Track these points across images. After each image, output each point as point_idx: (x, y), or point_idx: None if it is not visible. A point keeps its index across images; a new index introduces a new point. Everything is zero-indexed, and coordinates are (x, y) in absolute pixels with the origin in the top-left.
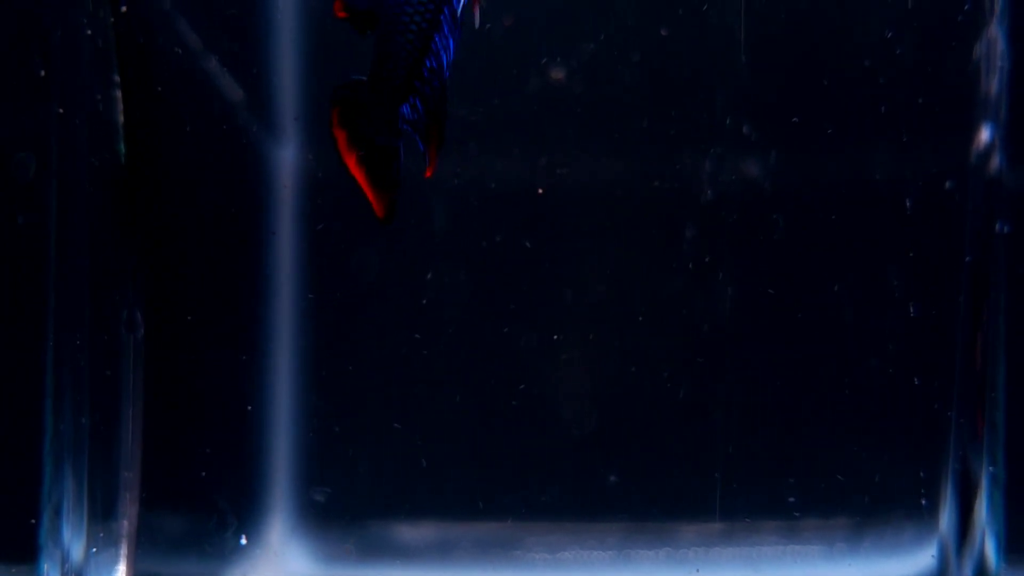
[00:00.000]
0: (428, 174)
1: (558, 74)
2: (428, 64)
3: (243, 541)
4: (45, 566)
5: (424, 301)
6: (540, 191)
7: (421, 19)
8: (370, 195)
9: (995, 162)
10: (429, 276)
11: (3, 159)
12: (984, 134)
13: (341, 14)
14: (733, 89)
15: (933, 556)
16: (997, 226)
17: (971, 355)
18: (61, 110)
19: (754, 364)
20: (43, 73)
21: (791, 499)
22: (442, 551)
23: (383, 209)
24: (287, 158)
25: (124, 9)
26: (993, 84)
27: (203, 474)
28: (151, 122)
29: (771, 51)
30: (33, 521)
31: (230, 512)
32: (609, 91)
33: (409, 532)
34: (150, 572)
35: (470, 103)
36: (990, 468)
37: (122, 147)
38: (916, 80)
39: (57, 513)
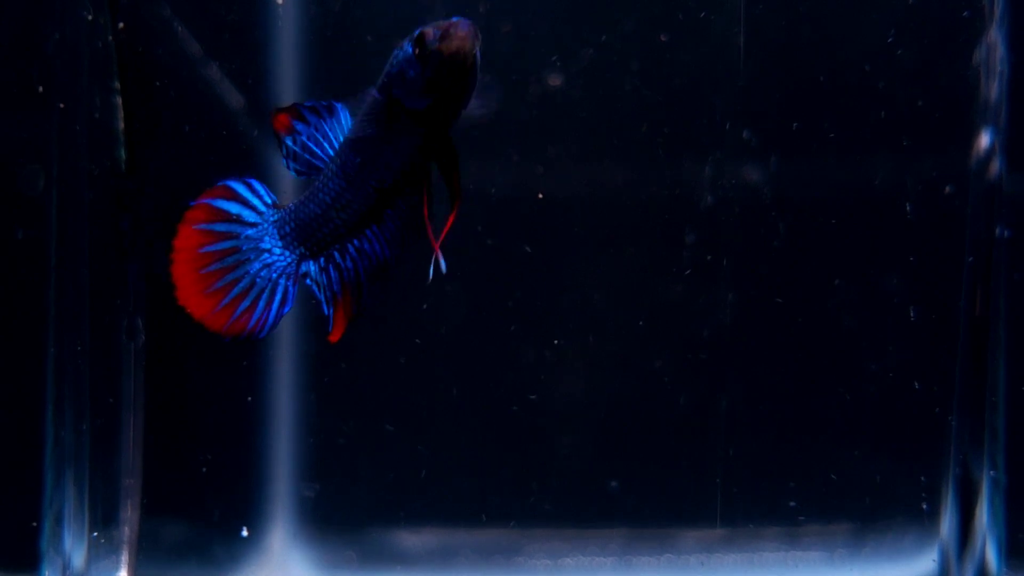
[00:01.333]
0: (332, 338)
1: (555, 80)
2: (356, 244)
3: (244, 533)
4: (46, 573)
5: (424, 306)
6: (540, 195)
7: (358, 208)
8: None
9: (995, 167)
10: (429, 280)
11: (3, 166)
12: (984, 139)
13: (280, 125)
14: (733, 94)
15: (934, 560)
16: (997, 231)
17: (971, 359)
18: (60, 117)
19: (754, 369)
20: (42, 79)
21: (792, 504)
22: (444, 557)
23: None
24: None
25: (122, 26)
26: (993, 89)
27: (204, 480)
28: (151, 128)
29: (771, 56)
30: (34, 523)
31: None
32: (608, 97)
33: (410, 538)
34: None
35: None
36: (991, 472)
37: (122, 153)
38: (915, 85)
39: (58, 520)
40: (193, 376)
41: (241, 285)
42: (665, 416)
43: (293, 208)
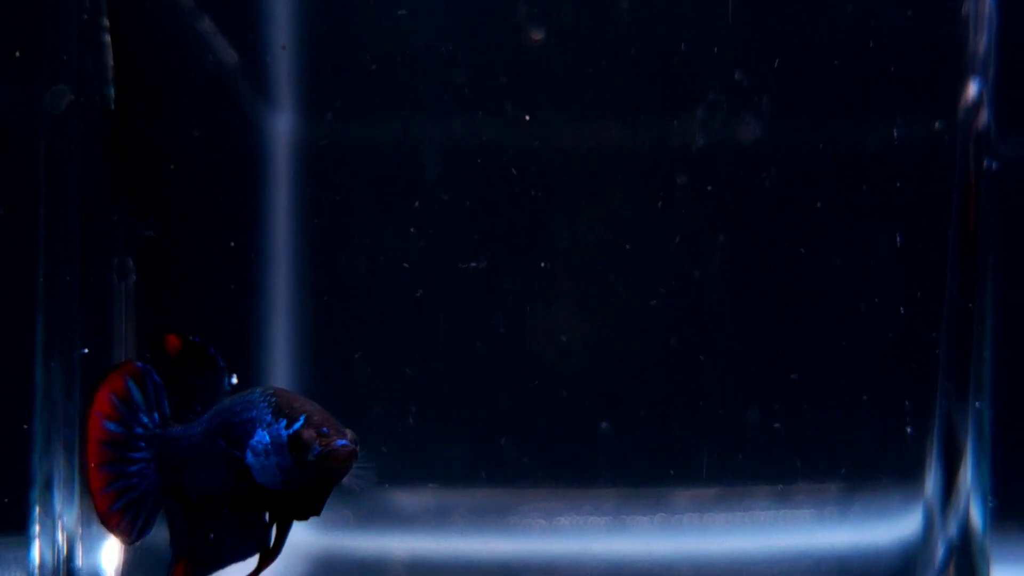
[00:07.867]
0: None
1: (538, 35)
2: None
3: (234, 379)
4: (36, 532)
5: (417, 255)
6: (535, 140)
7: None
8: None
9: (983, 117)
10: (418, 237)
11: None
12: (972, 89)
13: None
14: (723, 47)
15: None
16: (985, 163)
17: (958, 305)
18: (50, 50)
19: (745, 325)
20: (32, 12)
21: (783, 464)
22: (439, 517)
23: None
24: (280, 117)
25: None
26: (981, 41)
27: None
28: (143, 74)
29: (761, 7)
30: (24, 486)
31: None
32: (597, 47)
33: (407, 498)
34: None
35: (458, 62)
36: (976, 404)
37: (111, 91)
38: (904, 35)
39: (48, 481)
40: (185, 320)
41: (120, 483)
42: (657, 374)
43: (169, 435)
